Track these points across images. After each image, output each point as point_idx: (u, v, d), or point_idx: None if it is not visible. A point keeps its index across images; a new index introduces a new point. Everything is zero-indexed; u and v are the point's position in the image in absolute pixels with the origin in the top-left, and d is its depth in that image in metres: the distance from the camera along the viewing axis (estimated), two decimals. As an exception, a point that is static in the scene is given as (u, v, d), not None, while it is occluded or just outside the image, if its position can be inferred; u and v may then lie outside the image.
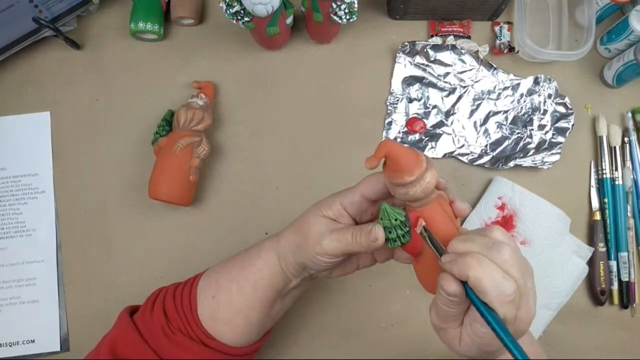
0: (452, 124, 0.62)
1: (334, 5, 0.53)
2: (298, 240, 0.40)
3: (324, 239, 0.38)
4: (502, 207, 0.59)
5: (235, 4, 0.51)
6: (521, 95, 0.62)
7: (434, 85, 0.62)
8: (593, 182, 0.62)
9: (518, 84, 0.63)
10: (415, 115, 0.62)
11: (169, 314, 0.42)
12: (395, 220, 0.35)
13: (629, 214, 0.60)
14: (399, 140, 0.61)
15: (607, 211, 0.60)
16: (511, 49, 0.63)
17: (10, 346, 0.56)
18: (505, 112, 0.62)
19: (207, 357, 0.41)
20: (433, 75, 0.62)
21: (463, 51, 0.63)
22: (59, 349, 0.56)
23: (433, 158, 0.61)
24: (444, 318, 0.34)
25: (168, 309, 0.43)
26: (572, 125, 0.61)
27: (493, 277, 0.30)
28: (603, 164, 0.61)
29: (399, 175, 0.33)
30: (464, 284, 0.31)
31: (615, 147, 0.61)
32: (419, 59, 0.63)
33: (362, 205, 0.39)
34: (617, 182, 0.61)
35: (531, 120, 0.62)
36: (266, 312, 0.43)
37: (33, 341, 0.56)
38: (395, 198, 0.37)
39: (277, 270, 0.42)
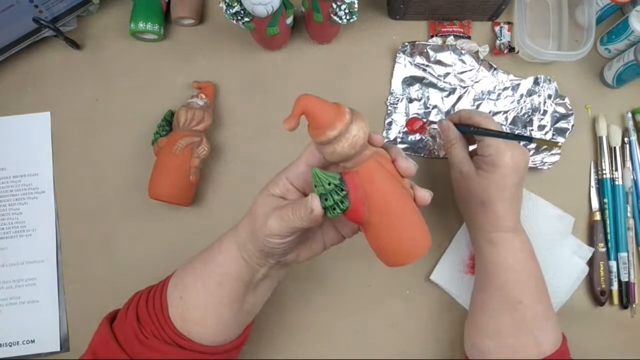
0: (452, 124, 0.62)
1: (334, 6, 0.53)
2: (251, 226, 0.38)
3: (269, 219, 0.35)
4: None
5: (235, 4, 0.51)
6: (521, 96, 0.62)
7: (434, 86, 0.62)
8: (593, 183, 0.62)
9: (518, 85, 0.63)
10: (415, 116, 0.62)
11: (141, 319, 0.41)
12: (329, 184, 0.32)
13: (628, 214, 0.60)
14: (398, 140, 0.61)
15: (607, 211, 0.60)
16: (511, 49, 0.63)
17: (10, 346, 0.56)
18: (505, 112, 0.62)
19: (183, 358, 0.40)
20: (433, 76, 0.62)
21: (463, 51, 0.63)
22: (59, 349, 0.56)
23: (433, 158, 0.61)
24: (457, 160, 0.51)
25: (141, 314, 0.42)
26: (572, 125, 0.61)
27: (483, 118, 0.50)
28: (603, 164, 0.61)
29: (321, 131, 0.31)
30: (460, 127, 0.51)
31: (615, 148, 0.61)
32: (419, 59, 0.62)
33: (308, 176, 0.36)
34: (617, 183, 0.61)
35: (531, 121, 0.62)
36: (237, 306, 0.41)
37: (33, 341, 0.56)
38: (333, 164, 0.34)
39: (240, 262, 0.40)
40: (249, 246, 0.39)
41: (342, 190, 0.32)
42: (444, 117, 0.59)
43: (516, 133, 0.49)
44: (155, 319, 0.41)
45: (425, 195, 0.35)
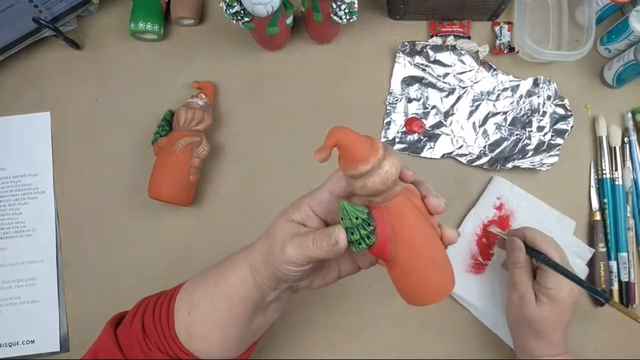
0: (451, 124, 0.62)
1: (334, 5, 0.53)
2: (266, 249, 0.37)
3: (287, 246, 0.34)
4: (499, 207, 0.59)
5: (235, 4, 0.51)
6: (520, 97, 0.62)
7: (434, 86, 0.62)
8: (593, 183, 0.62)
9: (517, 86, 0.62)
10: (414, 116, 0.62)
11: (147, 329, 0.41)
12: (357, 218, 0.31)
13: (628, 214, 0.60)
14: (397, 140, 0.61)
15: (607, 211, 0.60)
16: (511, 49, 0.63)
17: (10, 346, 0.56)
18: (504, 113, 0.62)
19: None
20: (432, 76, 0.62)
21: (463, 52, 0.63)
22: (58, 349, 0.56)
23: (431, 159, 0.61)
24: (518, 285, 0.50)
25: (147, 324, 0.41)
26: (571, 127, 0.61)
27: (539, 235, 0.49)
28: (603, 164, 0.61)
29: (353, 165, 0.30)
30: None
31: (615, 148, 0.61)
32: (418, 59, 0.63)
33: (332, 205, 0.35)
34: (617, 183, 0.61)
35: (530, 122, 0.62)
36: (244, 327, 0.40)
37: (33, 341, 0.56)
38: (360, 196, 0.33)
39: (251, 283, 0.38)
40: (262, 269, 0.37)
41: (369, 225, 0.32)
42: (511, 229, 0.57)
43: (588, 285, 0.49)
44: (160, 331, 0.40)
45: (452, 235, 0.34)
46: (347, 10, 0.53)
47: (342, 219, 0.32)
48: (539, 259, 0.50)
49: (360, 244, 0.32)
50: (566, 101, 0.62)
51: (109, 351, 0.41)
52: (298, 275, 0.36)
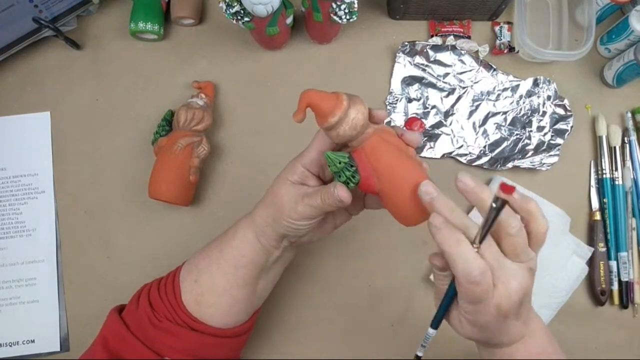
0: (451, 124, 0.62)
1: (334, 5, 0.53)
2: (274, 214, 0.41)
3: (298, 207, 0.39)
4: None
5: (235, 4, 0.51)
6: (520, 97, 0.62)
7: (434, 86, 0.62)
8: (593, 182, 0.62)
9: (517, 85, 0.62)
10: (414, 115, 0.62)
11: (154, 305, 0.43)
12: (340, 163, 0.36)
13: (628, 214, 0.60)
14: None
15: (607, 211, 0.60)
16: (511, 49, 0.63)
17: (10, 346, 0.56)
18: (504, 113, 0.62)
19: (195, 341, 0.42)
20: (432, 76, 0.62)
21: (463, 52, 0.63)
22: (59, 349, 0.56)
23: (431, 158, 0.61)
24: (439, 296, 0.37)
25: (153, 300, 0.43)
26: (571, 127, 0.61)
27: (463, 255, 0.31)
28: (603, 164, 0.61)
29: (324, 119, 0.35)
30: None
31: (615, 147, 0.61)
32: (418, 59, 0.63)
33: (322, 161, 0.40)
34: (616, 182, 0.61)
35: (530, 122, 0.62)
36: (251, 289, 0.44)
37: (33, 341, 0.56)
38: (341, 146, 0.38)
39: (257, 246, 0.42)
40: (268, 232, 0.41)
41: (352, 166, 0.37)
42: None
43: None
44: (168, 303, 0.42)
45: (382, 114, 0.39)
46: (347, 10, 0.53)
47: (329, 166, 0.37)
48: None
49: (348, 183, 0.37)
50: (566, 101, 0.62)
51: (118, 333, 0.42)
52: (308, 228, 0.41)
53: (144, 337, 0.42)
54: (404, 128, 0.40)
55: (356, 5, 0.53)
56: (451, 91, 0.62)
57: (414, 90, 0.62)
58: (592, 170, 0.62)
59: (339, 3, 0.53)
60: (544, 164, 0.60)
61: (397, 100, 0.62)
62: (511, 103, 0.62)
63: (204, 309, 0.42)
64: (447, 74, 0.62)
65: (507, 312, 0.33)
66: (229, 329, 0.44)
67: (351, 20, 0.55)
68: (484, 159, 0.61)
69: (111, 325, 0.44)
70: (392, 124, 0.61)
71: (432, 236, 0.33)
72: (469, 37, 0.64)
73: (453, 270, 0.32)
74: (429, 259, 0.37)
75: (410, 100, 0.62)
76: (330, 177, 0.42)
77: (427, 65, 0.62)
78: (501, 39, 0.64)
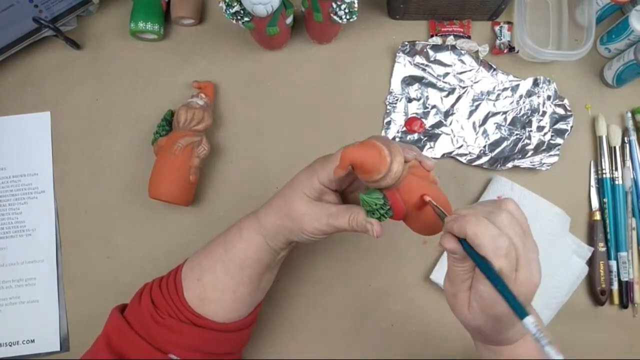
0: (451, 124, 0.62)
1: (334, 5, 0.53)
2: (291, 226, 0.41)
3: (321, 225, 0.40)
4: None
5: (235, 4, 0.51)
6: (520, 97, 0.62)
7: (434, 86, 0.62)
8: (593, 182, 0.62)
9: (517, 85, 0.62)
10: (414, 115, 0.62)
11: (156, 302, 0.43)
12: (375, 205, 0.38)
13: (628, 214, 0.60)
14: (397, 140, 0.61)
15: (607, 211, 0.60)
16: (511, 48, 0.63)
17: (10, 346, 0.56)
18: (504, 113, 0.62)
19: (199, 337, 0.42)
20: (432, 76, 0.62)
21: (463, 52, 0.63)
22: (59, 349, 0.56)
23: (432, 158, 0.61)
24: (453, 280, 0.36)
25: (155, 298, 0.44)
26: (571, 127, 0.61)
27: (489, 231, 0.32)
28: (603, 163, 0.61)
29: (369, 176, 0.36)
30: (462, 241, 0.33)
31: (615, 147, 0.61)
32: (418, 59, 0.63)
33: (341, 179, 0.41)
34: (616, 182, 0.61)
35: (530, 122, 0.62)
36: (255, 285, 0.45)
37: (33, 341, 0.56)
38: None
39: (265, 248, 0.43)
40: (280, 237, 0.43)
41: (385, 205, 0.38)
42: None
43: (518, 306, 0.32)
44: (170, 300, 0.43)
45: (430, 163, 0.40)
46: (347, 10, 0.53)
47: (363, 206, 0.39)
48: (477, 263, 0.34)
49: (380, 218, 0.39)
50: (566, 101, 0.62)
51: (121, 331, 0.43)
52: (322, 239, 0.42)
53: (147, 335, 0.42)
54: (422, 155, 0.41)
55: (356, 5, 0.53)
56: (451, 91, 0.62)
57: (414, 90, 0.62)
58: (592, 170, 0.62)
59: (339, 3, 0.53)
60: (544, 163, 0.60)
61: (397, 100, 0.62)
62: (511, 103, 0.62)
63: (207, 305, 0.43)
64: (447, 74, 0.62)
65: (526, 299, 0.33)
66: (233, 323, 0.44)
67: (351, 20, 0.55)
68: (484, 159, 0.61)
69: (114, 323, 0.44)
70: (392, 123, 0.61)
71: (450, 229, 0.34)
72: (469, 37, 0.64)
73: (479, 249, 0.32)
74: (440, 243, 0.35)
75: (410, 100, 0.62)
76: (346, 186, 0.44)
77: (427, 65, 0.62)
78: (501, 39, 0.64)
